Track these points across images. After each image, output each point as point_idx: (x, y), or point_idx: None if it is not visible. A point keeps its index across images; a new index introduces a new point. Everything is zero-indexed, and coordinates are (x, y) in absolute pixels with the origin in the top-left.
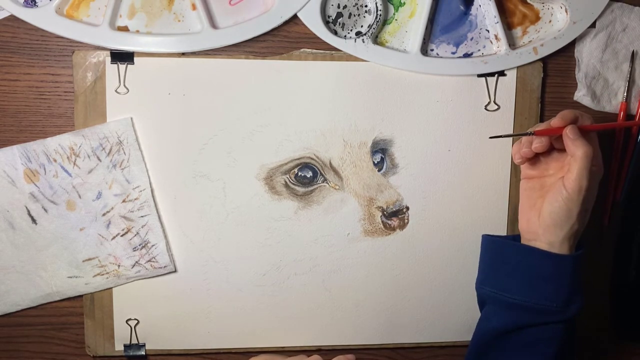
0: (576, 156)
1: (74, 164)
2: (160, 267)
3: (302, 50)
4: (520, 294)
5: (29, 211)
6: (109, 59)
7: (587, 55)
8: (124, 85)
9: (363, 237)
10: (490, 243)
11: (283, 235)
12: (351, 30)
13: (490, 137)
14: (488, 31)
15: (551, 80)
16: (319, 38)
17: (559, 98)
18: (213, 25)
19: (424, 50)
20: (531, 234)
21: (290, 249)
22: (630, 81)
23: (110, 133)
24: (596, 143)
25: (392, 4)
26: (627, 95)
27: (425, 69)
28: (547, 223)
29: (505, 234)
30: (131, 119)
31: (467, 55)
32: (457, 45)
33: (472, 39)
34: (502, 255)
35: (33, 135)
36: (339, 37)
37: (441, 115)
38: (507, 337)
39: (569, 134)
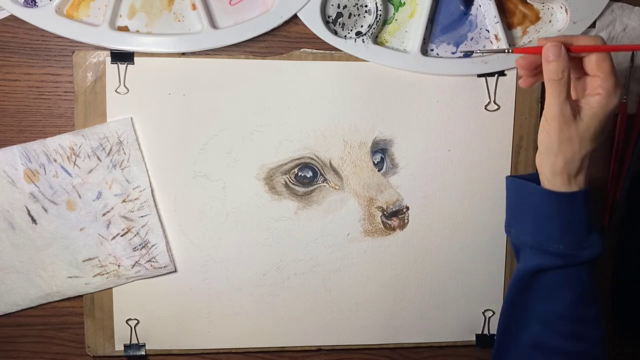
0: (547, 77)
1: (74, 164)
2: (160, 267)
3: (302, 50)
4: (532, 236)
5: (29, 211)
6: (109, 59)
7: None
8: (124, 85)
9: (363, 237)
10: (510, 184)
11: (283, 235)
12: (351, 30)
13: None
14: (488, 31)
15: None
16: (319, 38)
17: None
18: (213, 25)
19: (424, 50)
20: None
21: (290, 249)
22: (630, 81)
23: (110, 133)
24: (605, 67)
25: (392, 4)
26: (626, 98)
27: (425, 69)
28: (538, 153)
29: (505, 234)
30: (131, 119)
31: (467, 55)
32: (457, 45)
33: (472, 39)
34: (516, 197)
35: (33, 135)
36: (339, 37)
37: (441, 115)
38: (532, 280)
39: (547, 53)
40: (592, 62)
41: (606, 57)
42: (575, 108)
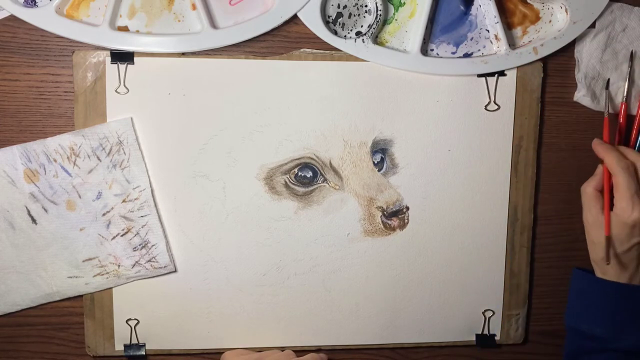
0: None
1: (74, 164)
2: (161, 267)
3: (302, 50)
4: (576, 319)
5: (29, 211)
6: (109, 59)
7: (586, 55)
8: (124, 85)
9: (363, 237)
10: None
11: (283, 235)
12: (351, 30)
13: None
14: (488, 31)
15: (551, 80)
16: (319, 38)
17: (559, 98)
18: (213, 25)
19: (424, 50)
20: None
21: (290, 249)
22: (630, 81)
23: (110, 133)
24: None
25: (392, 4)
26: (627, 96)
27: (425, 69)
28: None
29: (505, 234)
30: (131, 119)
31: (467, 55)
32: (457, 45)
33: (472, 39)
34: (571, 283)
35: (33, 135)
36: (339, 37)
37: (441, 115)
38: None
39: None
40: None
41: (619, 185)
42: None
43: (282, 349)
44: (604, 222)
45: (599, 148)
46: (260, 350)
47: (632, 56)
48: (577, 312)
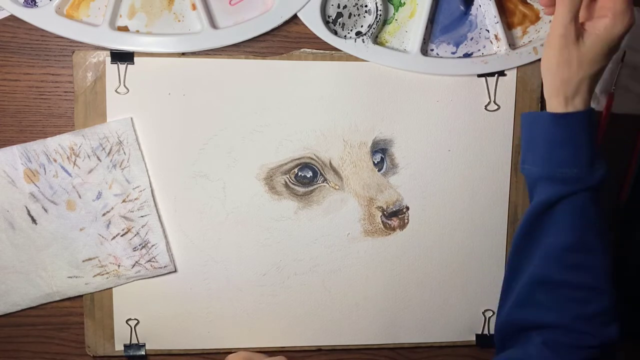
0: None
1: (74, 164)
2: (161, 267)
3: (302, 50)
4: (543, 165)
5: (29, 211)
6: (109, 59)
7: None
8: (124, 85)
9: (363, 237)
10: (523, 118)
11: (283, 235)
12: (351, 30)
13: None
14: (488, 31)
15: None
16: (319, 38)
17: None
18: (213, 25)
19: (424, 50)
20: None
21: (290, 249)
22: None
23: (110, 133)
24: None
25: (392, 4)
26: (615, 88)
27: (425, 69)
28: (542, 75)
29: (505, 234)
30: (131, 119)
31: (467, 55)
32: (457, 45)
33: (472, 39)
34: (529, 129)
35: (33, 135)
36: (339, 37)
37: (441, 115)
38: (542, 216)
39: None
40: None
41: None
42: (580, 30)
43: (283, 349)
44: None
45: None
46: (259, 350)
47: (623, 56)
48: (546, 157)
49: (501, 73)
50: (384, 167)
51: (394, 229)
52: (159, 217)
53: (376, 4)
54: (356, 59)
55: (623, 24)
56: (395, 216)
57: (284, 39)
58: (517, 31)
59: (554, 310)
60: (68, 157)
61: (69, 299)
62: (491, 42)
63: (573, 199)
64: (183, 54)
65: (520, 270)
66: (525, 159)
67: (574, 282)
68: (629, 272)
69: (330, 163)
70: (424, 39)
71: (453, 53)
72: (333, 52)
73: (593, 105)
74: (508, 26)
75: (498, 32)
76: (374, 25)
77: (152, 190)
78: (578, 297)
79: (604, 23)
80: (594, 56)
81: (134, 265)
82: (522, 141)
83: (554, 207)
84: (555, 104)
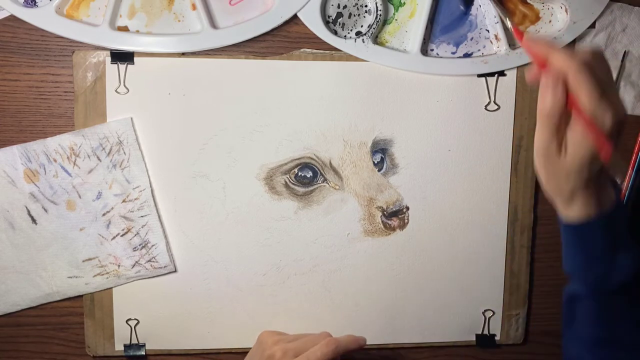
0: (539, 108)
1: (74, 164)
2: (161, 267)
3: (302, 50)
4: (565, 262)
5: (29, 211)
6: (109, 58)
7: None
8: (124, 85)
9: (363, 237)
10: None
11: (283, 235)
12: (351, 30)
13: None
14: (488, 31)
15: None
16: (319, 38)
17: None
18: (213, 25)
19: (424, 50)
20: None
21: (291, 249)
22: (627, 83)
23: (110, 133)
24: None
25: (392, 4)
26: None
27: (425, 69)
28: None
29: (505, 234)
30: (131, 119)
31: (467, 55)
32: (457, 45)
33: (472, 39)
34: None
35: (33, 135)
36: (339, 37)
37: (441, 115)
38: (572, 306)
39: (544, 86)
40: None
41: (581, 84)
42: (562, 142)
43: None
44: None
45: (539, 46)
46: None
47: (623, 57)
48: (565, 258)
49: (501, 73)
50: (384, 167)
51: (394, 229)
52: (159, 217)
53: (376, 4)
54: (356, 59)
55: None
56: (395, 216)
57: (284, 39)
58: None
59: None
60: (68, 157)
61: (69, 299)
62: (491, 42)
63: (595, 298)
64: (183, 54)
65: (567, 353)
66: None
67: None
68: None
69: (330, 163)
70: (424, 39)
71: (453, 53)
72: (333, 52)
73: None
74: None
75: (498, 32)
76: (374, 25)
77: (152, 190)
78: None
79: (581, 132)
80: (579, 166)
81: (134, 265)
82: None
83: (582, 301)
84: (558, 205)
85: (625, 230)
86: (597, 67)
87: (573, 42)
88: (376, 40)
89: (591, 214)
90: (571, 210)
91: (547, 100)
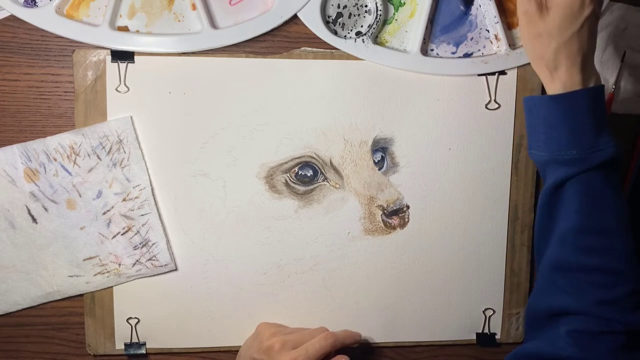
0: None
1: (74, 162)
2: (161, 266)
3: (302, 48)
4: (546, 149)
5: (29, 210)
6: (109, 57)
7: None
8: (125, 84)
9: (363, 236)
10: (525, 102)
11: (283, 234)
12: (351, 30)
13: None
14: (488, 31)
15: None
16: (319, 38)
17: None
18: (213, 25)
19: (424, 50)
20: None
21: (291, 248)
22: (627, 81)
23: (110, 132)
24: None
25: (392, 4)
26: (615, 88)
27: (425, 69)
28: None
29: (506, 232)
30: (131, 117)
31: (467, 55)
32: (457, 45)
33: (472, 39)
34: (529, 114)
35: (33, 135)
36: (339, 37)
37: (442, 113)
38: (553, 199)
39: None
40: None
41: None
42: (541, 2)
43: None
44: None
45: None
46: None
47: (623, 56)
48: (547, 141)
49: (502, 72)
50: (385, 165)
51: (394, 228)
52: (160, 215)
53: (376, 4)
54: (357, 57)
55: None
56: (395, 215)
57: (284, 39)
58: (517, 31)
59: (574, 295)
60: (68, 156)
61: (69, 298)
62: (491, 42)
63: (579, 179)
64: (183, 54)
65: (542, 256)
66: (531, 144)
67: (590, 266)
68: None
69: (331, 162)
70: (424, 39)
71: (453, 53)
72: (333, 50)
73: None
74: (508, 26)
75: (498, 32)
76: (374, 25)
77: (152, 189)
78: (597, 281)
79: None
80: (560, 24)
81: (134, 264)
82: (526, 126)
83: (562, 190)
84: (543, 80)
85: (605, 117)
86: None
87: None
88: (376, 40)
89: (576, 85)
90: (557, 79)
91: None
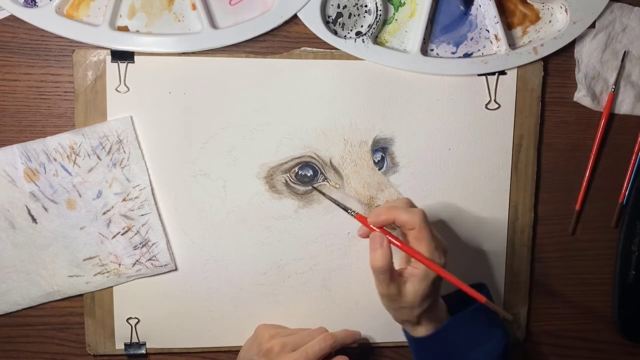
0: (371, 264)
1: (74, 162)
2: (161, 266)
3: (302, 48)
4: None
5: (29, 210)
6: (109, 57)
7: (586, 55)
8: (125, 83)
9: None
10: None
11: (283, 234)
12: (351, 30)
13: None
14: (488, 31)
15: (551, 80)
16: (319, 38)
17: (559, 98)
18: (213, 25)
19: (424, 50)
20: None
21: (291, 248)
22: (627, 84)
23: (110, 132)
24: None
25: (392, 4)
26: (615, 88)
27: (425, 69)
28: None
29: (506, 232)
30: (131, 117)
31: (467, 55)
32: (457, 45)
33: (472, 39)
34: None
35: (33, 135)
36: (339, 37)
37: (441, 113)
38: None
39: (372, 241)
40: (412, 238)
41: (423, 238)
42: (400, 282)
43: None
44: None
45: (384, 217)
46: None
47: (623, 57)
48: None
49: (502, 72)
50: (385, 165)
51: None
52: (160, 215)
53: (376, 4)
54: (357, 57)
55: (433, 274)
56: None
57: (284, 39)
58: (517, 31)
59: None
60: (68, 156)
61: (69, 298)
62: (491, 42)
63: None
64: (183, 54)
65: None
66: None
67: None
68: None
69: (331, 162)
70: (424, 39)
71: (453, 53)
72: (333, 50)
73: (593, 105)
74: (508, 26)
75: (498, 32)
76: (374, 25)
77: (152, 189)
78: None
79: (418, 275)
80: (420, 300)
81: (134, 264)
82: None
83: None
84: (408, 330)
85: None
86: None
87: (573, 42)
88: (376, 40)
89: (434, 328)
90: (419, 330)
91: (377, 259)
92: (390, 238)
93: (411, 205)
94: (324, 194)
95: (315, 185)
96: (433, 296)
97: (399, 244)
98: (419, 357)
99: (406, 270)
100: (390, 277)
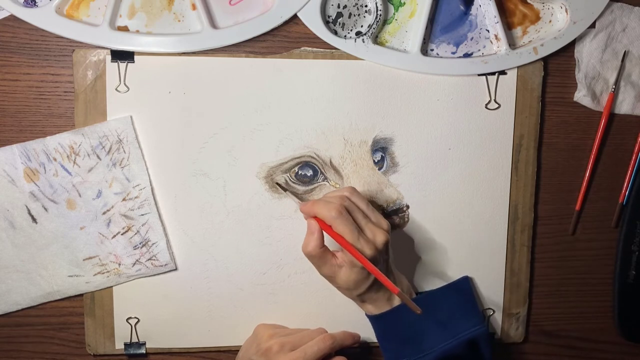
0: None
1: (74, 162)
2: (161, 266)
3: (302, 48)
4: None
5: (29, 210)
6: (109, 57)
7: (587, 55)
8: (124, 83)
9: None
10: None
11: (283, 234)
12: (351, 30)
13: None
14: (488, 31)
15: (552, 80)
16: (318, 38)
17: (560, 98)
18: (213, 25)
19: (424, 50)
20: None
21: (291, 248)
22: (623, 78)
23: (110, 131)
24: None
25: (392, 4)
26: (615, 88)
27: (425, 68)
28: None
29: (506, 233)
30: (131, 117)
31: (467, 55)
32: (457, 45)
33: (472, 38)
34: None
35: (33, 135)
36: (339, 37)
37: (441, 113)
38: None
39: (310, 227)
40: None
41: (342, 231)
42: (335, 266)
43: None
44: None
45: (306, 207)
46: None
47: (623, 57)
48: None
49: (501, 72)
50: (385, 165)
51: (394, 228)
52: (160, 215)
53: (376, 4)
54: (357, 57)
55: (357, 264)
56: (395, 214)
57: (284, 39)
58: (517, 31)
59: None
60: (68, 156)
61: (69, 298)
62: (491, 42)
63: None
64: (183, 54)
65: None
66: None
67: None
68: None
69: (331, 161)
70: (424, 38)
71: (453, 53)
72: (333, 50)
73: (593, 105)
74: (508, 26)
75: (498, 32)
76: (374, 25)
77: (152, 189)
78: None
79: (344, 270)
80: (354, 285)
81: (134, 264)
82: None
83: None
84: (370, 308)
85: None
86: (352, 206)
87: (573, 42)
88: (376, 40)
89: (384, 309)
90: (368, 308)
91: (307, 244)
92: (322, 226)
93: (343, 198)
94: (283, 189)
95: (278, 182)
96: (368, 281)
97: (330, 232)
98: (375, 330)
99: (342, 255)
100: (323, 261)
